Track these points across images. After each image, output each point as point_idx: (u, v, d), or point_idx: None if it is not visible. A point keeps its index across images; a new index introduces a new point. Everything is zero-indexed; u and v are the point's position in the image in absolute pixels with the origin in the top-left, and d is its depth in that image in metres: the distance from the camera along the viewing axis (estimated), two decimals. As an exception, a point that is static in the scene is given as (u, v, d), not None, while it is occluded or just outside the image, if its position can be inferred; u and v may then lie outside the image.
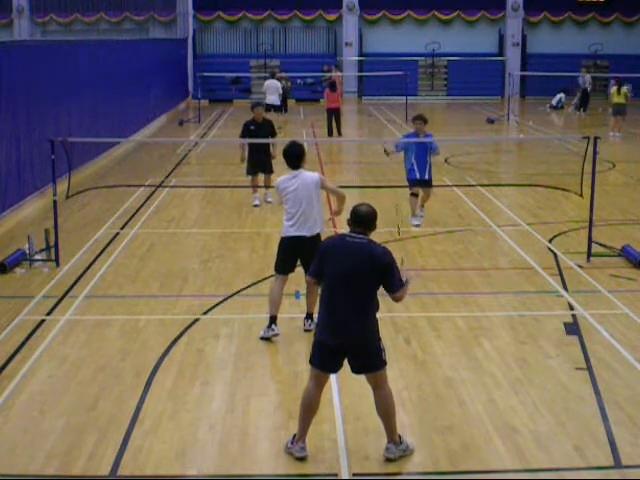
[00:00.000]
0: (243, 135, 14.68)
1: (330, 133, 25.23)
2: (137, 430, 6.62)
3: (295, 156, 8.59)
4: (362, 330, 6.04)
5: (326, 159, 20.62)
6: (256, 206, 14.94)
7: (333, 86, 25.74)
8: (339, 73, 31.60)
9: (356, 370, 6.23)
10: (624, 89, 25.51)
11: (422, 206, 14.06)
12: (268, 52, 39.17)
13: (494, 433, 6.57)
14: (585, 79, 33.49)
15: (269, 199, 14.69)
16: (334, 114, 25.30)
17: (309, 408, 6.21)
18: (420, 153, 13.46)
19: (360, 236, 6.12)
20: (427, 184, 13.74)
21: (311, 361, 6.23)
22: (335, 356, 6.14)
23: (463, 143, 23.79)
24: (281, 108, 26.78)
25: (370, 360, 6.11)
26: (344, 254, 6.06)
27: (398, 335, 8.64)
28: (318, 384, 6.22)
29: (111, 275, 10.99)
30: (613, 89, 26.27)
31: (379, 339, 6.13)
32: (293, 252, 8.65)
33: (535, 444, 6.40)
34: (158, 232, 13.34)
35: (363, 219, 6.16)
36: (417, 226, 13.49)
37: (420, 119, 13.60)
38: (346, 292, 6.02)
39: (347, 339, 6.04)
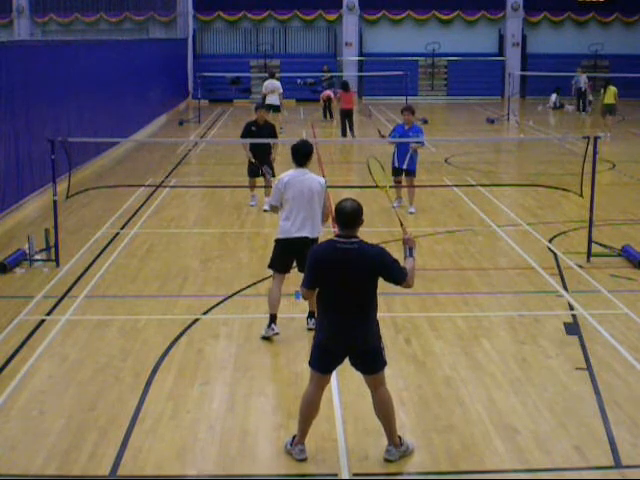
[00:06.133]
0: (243, 136, 14.59)
1: (344, 134, 25.18)
2: (137, 430, 6.62)
3: (304, 154, 8.58)
4: (363, 333, 5.99)
5: (326, 159, 20.61)
6: (252, 206, 14.94)
7: (346, 86, 25.64)
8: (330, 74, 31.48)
9: (357, 369, 6.21)
10: (613, 89, 25.62)
11: (411, 203, 14.55)
12: (268, 52, 39.15)
13: (494, 433, 6.57)
14: (581, 79, 33.49)
15: (266, 207, 14.49)
16: (347, 114, 25.21)
17: (309, 411, 6.17)
18: (402, 143, 14.20)
19: (351, 240, 5.90)
20: (407, 173, 14.44)
21: (311, 364, 6.19)
22: (336, 359, 6.13)
23: (463, 143, 23.80)
24: (280, 108, 26.70)
25: (371, 362, 6.08)
26: (339, 262, 5.86)
27: (398, 335, 8.64)
28: (318, 387, 6.18)
29: (111, 275, 10.99)
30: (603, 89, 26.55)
31: (379, 339, 6.11)
32: (292, 253, 8.61)
33: (535, 444, 6.40)
34: (158, 232, 13.33)
35: (350, 218, 5.90)
36: (412, 214, 14.26)
37: (408, 110, 14.44)
38: (345, 298, 5.93)
39: (348, 343, 6.00)
